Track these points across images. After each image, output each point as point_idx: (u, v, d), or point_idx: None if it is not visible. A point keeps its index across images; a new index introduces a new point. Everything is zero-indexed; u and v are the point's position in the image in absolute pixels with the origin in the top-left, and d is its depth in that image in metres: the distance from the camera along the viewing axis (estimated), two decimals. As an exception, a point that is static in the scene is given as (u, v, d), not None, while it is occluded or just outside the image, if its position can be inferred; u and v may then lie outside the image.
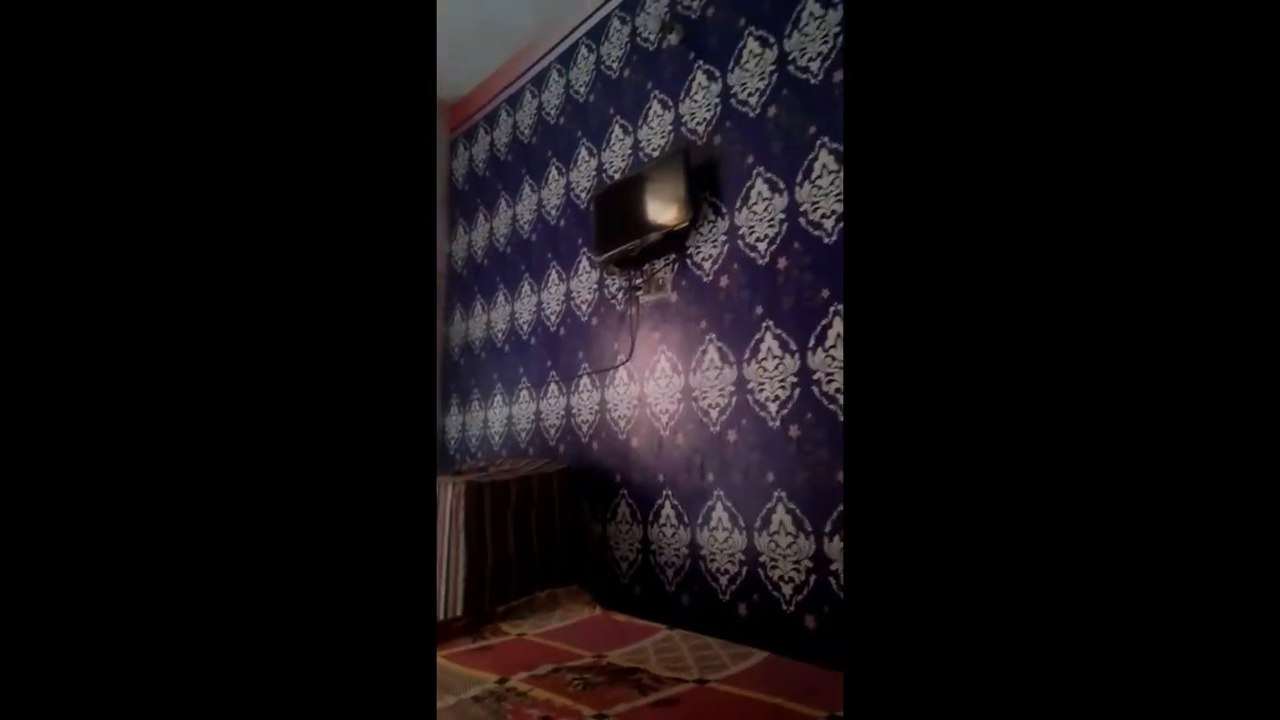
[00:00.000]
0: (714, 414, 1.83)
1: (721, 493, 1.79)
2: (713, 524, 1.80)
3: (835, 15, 1.63)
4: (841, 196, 1.58)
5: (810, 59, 1.68)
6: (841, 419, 1.52)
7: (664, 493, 1.97)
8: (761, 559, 1.66)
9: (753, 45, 1.84)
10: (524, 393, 2.62)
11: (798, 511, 1.59)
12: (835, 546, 1.50)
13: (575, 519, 2.22)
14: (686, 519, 1.89)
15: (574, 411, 2.37)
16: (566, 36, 2.61)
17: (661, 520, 1.97)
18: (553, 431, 2.46)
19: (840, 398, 1.53)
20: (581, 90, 2.51)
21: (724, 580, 1.75)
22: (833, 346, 1.56)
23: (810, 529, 1.56)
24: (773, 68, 1.78)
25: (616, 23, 2.37)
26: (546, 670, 1.34)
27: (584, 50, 2.52)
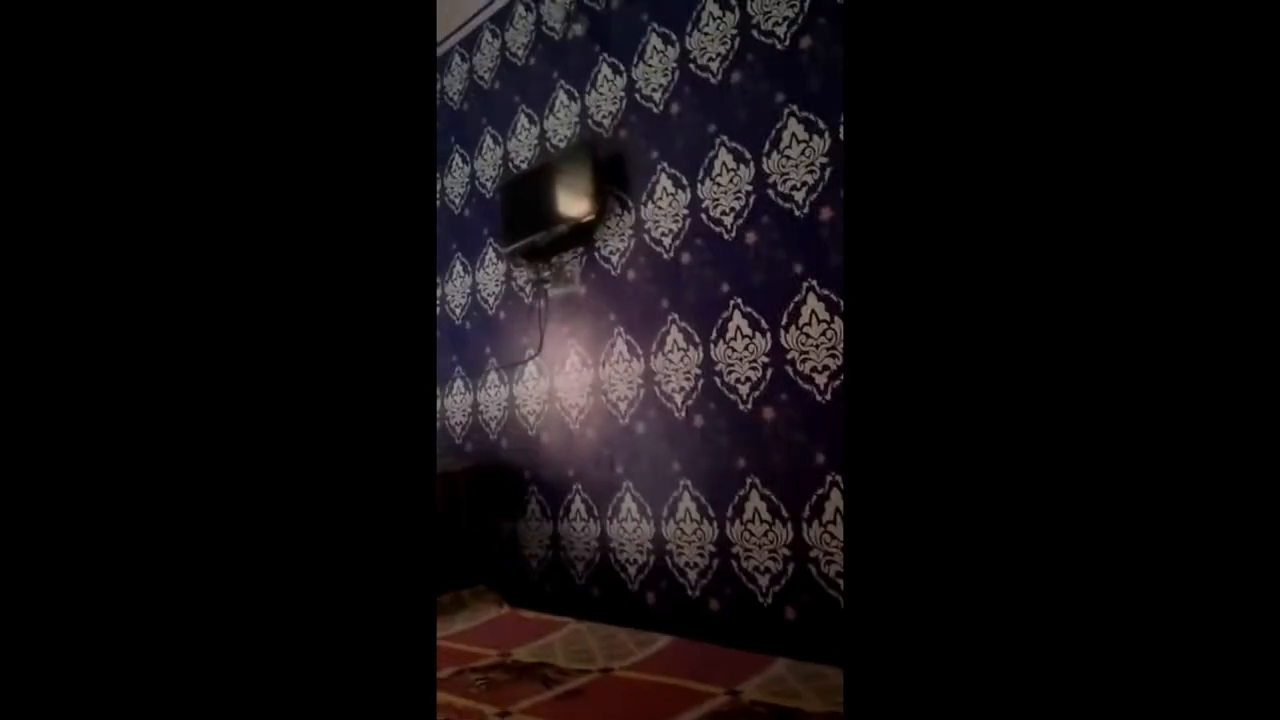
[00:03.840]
0: (623, 406, 1.85)
1: (630, 484, 1.81)
2: (622, 515, 1.82)
3: (733, 18, 1.68)
4: (739, 194, 1.63)
5: (710, 59, 1.73)
6: (740, 408, 1.58)
7: (574, 487, 1.97)
8: (668, 547, 1.70)
9: (656, 41, 1.86)
10: (429, 389, 2.51)
11: (702, 499, 1.64)
12: (737, 530, 1.56)
13: (483, 519, 2.16)
14: (596, 512, 1.89)
15: (481, 408, 2.31)
16: (471, 19, 2.52)
17: (572, 515, 1.96)
18: (459, 429, 2.38)
19: (740, 388, 1.59)
20: (486, 77, 2.44)
21: (633, 570, 1.78)
22: (732, 339, 1.61)
23: (714, 515, 1.61)
24: (675, 65, 1.81)
25: (521, 9, 2.32)
26: (449, 673, 1.30)
27: (488, 35, 2.44)
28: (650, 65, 1.87)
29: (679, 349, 1.73)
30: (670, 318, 1.75)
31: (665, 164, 1.80)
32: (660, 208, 1.81)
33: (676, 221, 1.77)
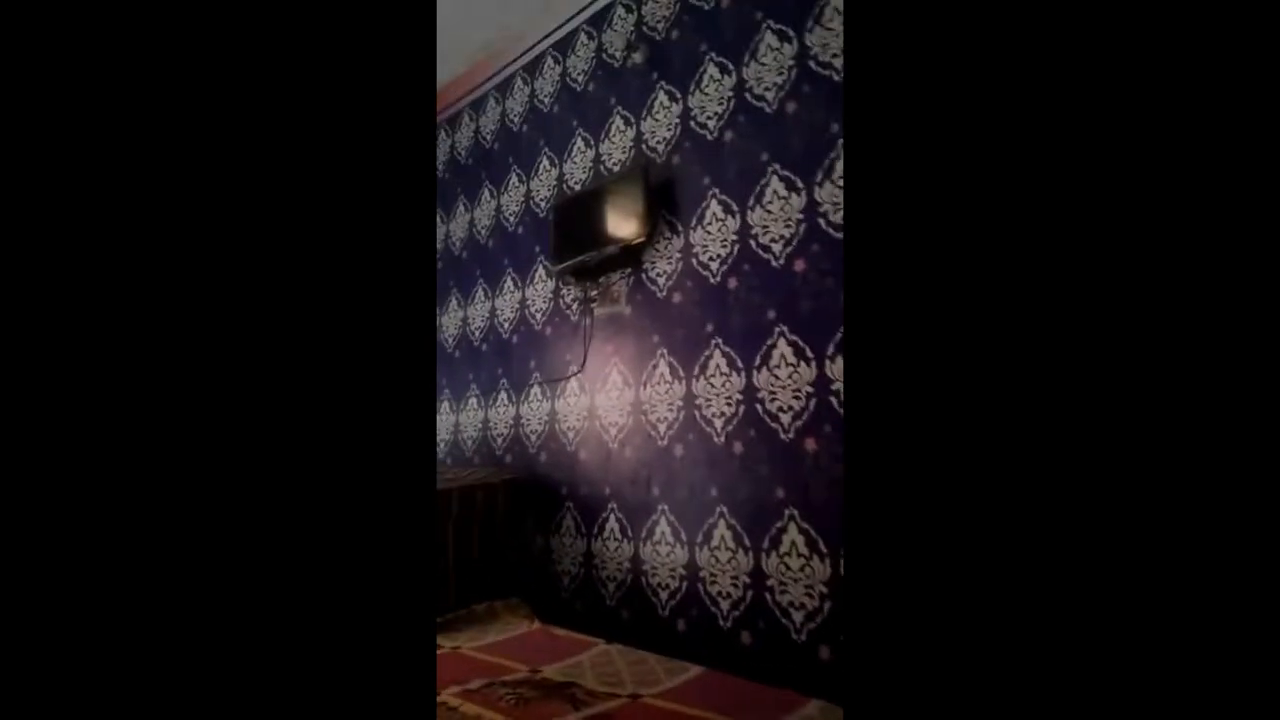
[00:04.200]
0: (662, 428, 1.85)
1: (666, 507, 1.80)
2: (656, 538, 1.81)
3: (791, 49, 1.70)
4: (789, 222, 1.63)
5: (766, 88, 1.74)
6: (782, 437, 1.56)
7: (609, 505, 1.97)
8: (701, 574, 1.68)
9: (713, 70, 1.89)
10: (473, 400, 2.58)
11: (738, 527, 1.62)
12: (772, 562, 1.53)
13: (518, 531, 2.19)
14: (630, 533, 1.89)
15: (523, 421, 2.35)
16: (534, 45, 2.61)
17: (606, 534, 1.96)
18: (500, 441, 2.42)
19: (782, 416, 1.57)
20: (546, 100, 2.52)
21: (664, 595, 1.76)
22: (776, 366, 1.60)
23: (749, 544, 1.59)
24: (731, 93, 1.83)
25: (584, 37, 2.39)
26: (479, 685, 1.31)
27: (550, 61, 2.53)
28: (706, 93, 1.90)
29: (721, 373, 1.72)
30: (714, 342, 1.75)
31: (716, 190, 1.82)
32: (709, 232, 1.82)
33: (725, 246, 1.77)
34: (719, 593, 1.63)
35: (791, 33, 1.70)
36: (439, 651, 1.55)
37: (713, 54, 1.90)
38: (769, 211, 1.68)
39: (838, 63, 1.59)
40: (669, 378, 1.86)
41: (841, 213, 1.53)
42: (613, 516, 1.95)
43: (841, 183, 1.54)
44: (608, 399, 2.04)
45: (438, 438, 2.72)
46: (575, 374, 2.16)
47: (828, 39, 1.62)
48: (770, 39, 1.75)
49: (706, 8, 1.94)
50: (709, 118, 1.88)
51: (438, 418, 2.74)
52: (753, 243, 1.71)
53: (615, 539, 1.93)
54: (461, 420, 2.61)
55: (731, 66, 1.84)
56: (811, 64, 1.64)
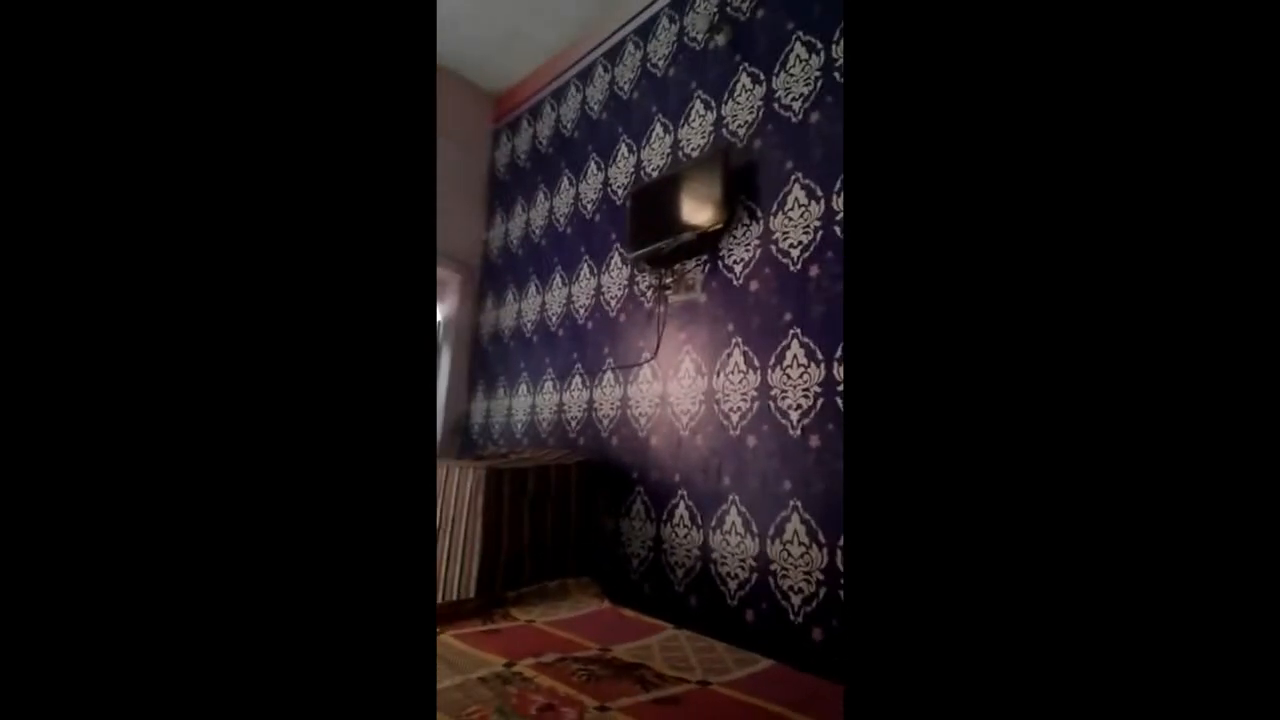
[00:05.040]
0: (734, 418, 1.83)
1: (737, 497, 1.79)
2: (726, 528, 1.80)
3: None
4: (879, 208, 1.56)
5: (857, 66, 1.66)
6: (864, 433, 1.50)
7: (679, 493, 1.98)
8: (772, 567, 1.65)
9: (800, 50, 1.82)
10: (548, 384, 2.65)
11: (812, 522, 1.58)
12: (845, 559, 1.49)
13: (590, 512, 2.24)
14: (700, 521, 1.89)
15: (596, 405, 2.39)
16: (615, 33, 2.62)
17: (675, 520, 1.97)
18: (574, 424, 2.48)
19: (864, 411, 1.51)
20: (625, 87, 2.52)
21: (733, 585, 1.75)
22: (860, 359, 1.54)
23: (824, 541, 1.55)
24: (818, 73, 1.76)
25: (665, 21, 2.37)
26: (553, 659, 1.36)
27: (631, 47, 2.53)
28: (792, 74, 1.83)
29: (799, 365, 1.68)
30: (792, 332, 1.71)
31: (800, 174, 1.76)
32: (791, 219, 1.77)
33: (807, 233, 1.72)
34: (790, 587, 1.60)
35: (886, 6, 1.61)
36: (514, 624, 1.61)
37: (800, 32, 1.83)
38: (856, 197, 1.61)
39: (937, 36, 1.49)
40: (743, 367, 1.83)
41: (936, 197, 1.44)
42: (682, 503, 1.96)
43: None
44: (680, 386, 2.04)
45: (518, 419, 2.82)
46: (648, 360, 2.17)
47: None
48: (863, 14, 1.66)
49: (794, -16, 1.87)
50: (794, 99, 1.82)
51: (517, 400, 2.83)
52: (838, 229, 1.64)
53: (685, 525, 1.94)
54: (538, 403, 2.69)
55: (820, 45, 1.77)
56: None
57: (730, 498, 1.81)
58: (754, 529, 1.72)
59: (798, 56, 1.83)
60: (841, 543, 1.51)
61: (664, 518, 2.02)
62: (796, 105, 1.81)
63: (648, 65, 2.42)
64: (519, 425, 2.77)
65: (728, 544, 1.79)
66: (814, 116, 1.75)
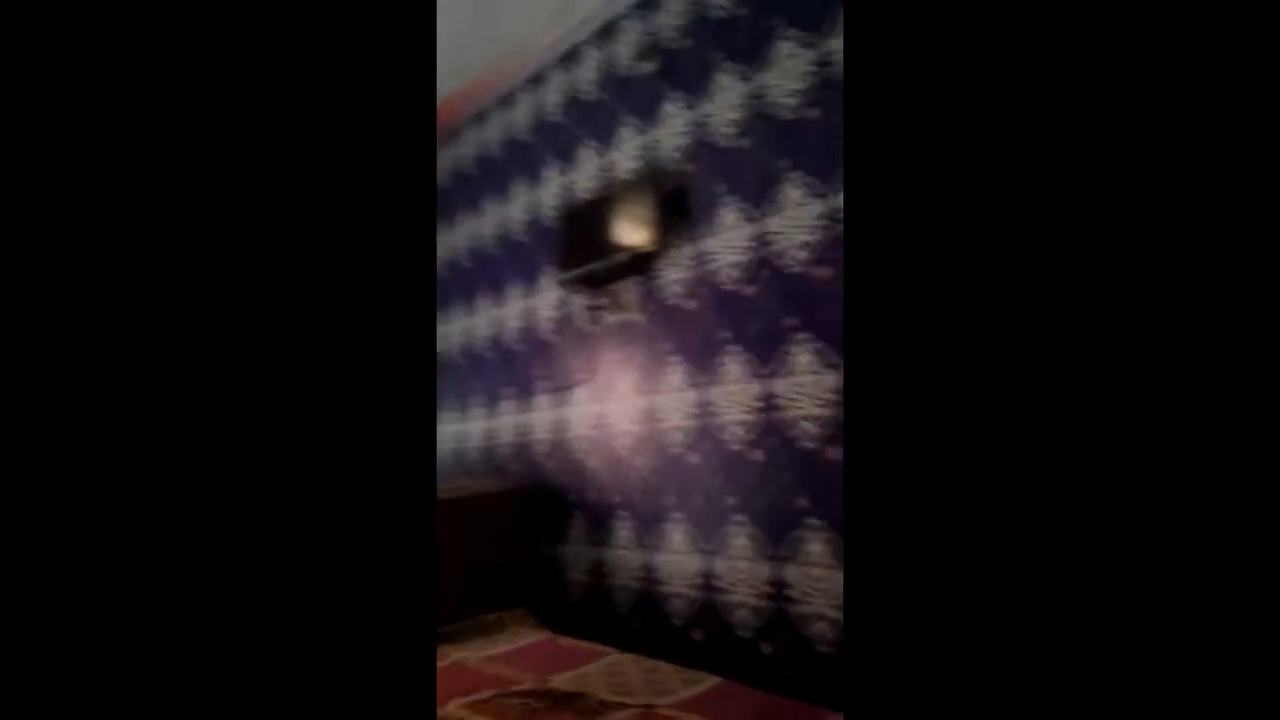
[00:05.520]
0: (676, 436, 1.83)
1: (680, 515, 1.78)
2: (669, 547, 1.78)
3: (810, 55, 1.71)
4: (809, 228, 1.63)
5: (784, 95, 1.75)
6: (803, 445, 1.54)
7: (620, 514, 1.94)
8: (718, 583, 1.65)
9: (725, 80, 1.90)
10: (479, 410, 2.55)
11: (758, 535, 1.59)
12: (793, 572, 1.50)
13: (527, 540, 2.15)
14: (643, 541, 1.86)
15: (531, 430, 2.32)
16: (542, 56, 2.62)
17: (617, 542, 1.93)
18: (508, 450, 2.39)
19: (803, 424, 1.55)
20: (553, 110, 2.53)
21: (678, 604, 1.73)
22: (797, 374, 1.59)
23: (770, 554, 1.56)
24: (746, 100, 1.84)
25: (591, 49, 2.40)
26: (488, 695, 1.28)
27: (558, 73, 2.54)
28: (720, 101, 1.90)
29: (738, 381, 1.70)
30: (729, 349, 1.74)
31: (731, 197, 1.82)
32: (724, 240, 1.81)
33: (740, 254, 1.77)
34: (737, 602, 1.60)
35: (809, 38, 1.71)
36: (445, 663, 1.51)
37: (729, 62, 1.91)
38: (787, 218, 1.68)
39: (856, 71, 1.59)
40: (682, 385, 1.84)
41: (860, 219, 1.53)
42: (624, 524, 1.92)
43: (860, 189, 1.54)
44: (619, 407, 2.02)
45: (447, 447, 2.68)
46: (584, 382, 2.14)
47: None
48: (788, 46, 1.76)
49: (720, 16, 1.95)
50: (723, 125, 1.88)
51: (446, 427, 2.70)
52: (770, 249, 1.70)
53: (627, 547, 1.90)
54: (469, 429, 2.58)
55: (749, 73, 1.85)
56: (831, 71, 1.65)
57: (673, 516, 1.79)
58: (698, 546, 1.72)
59: (724, 85, 1.90)
60: (786, 554, 1.52)
61: (605, 541, 1.97)
62: (726, 130, 1.87)
63: (576, 90, 2.44)
64: (449, 453, 2.64)
65: (671, 563, 1.77)
66: (744, 141, 1.82)
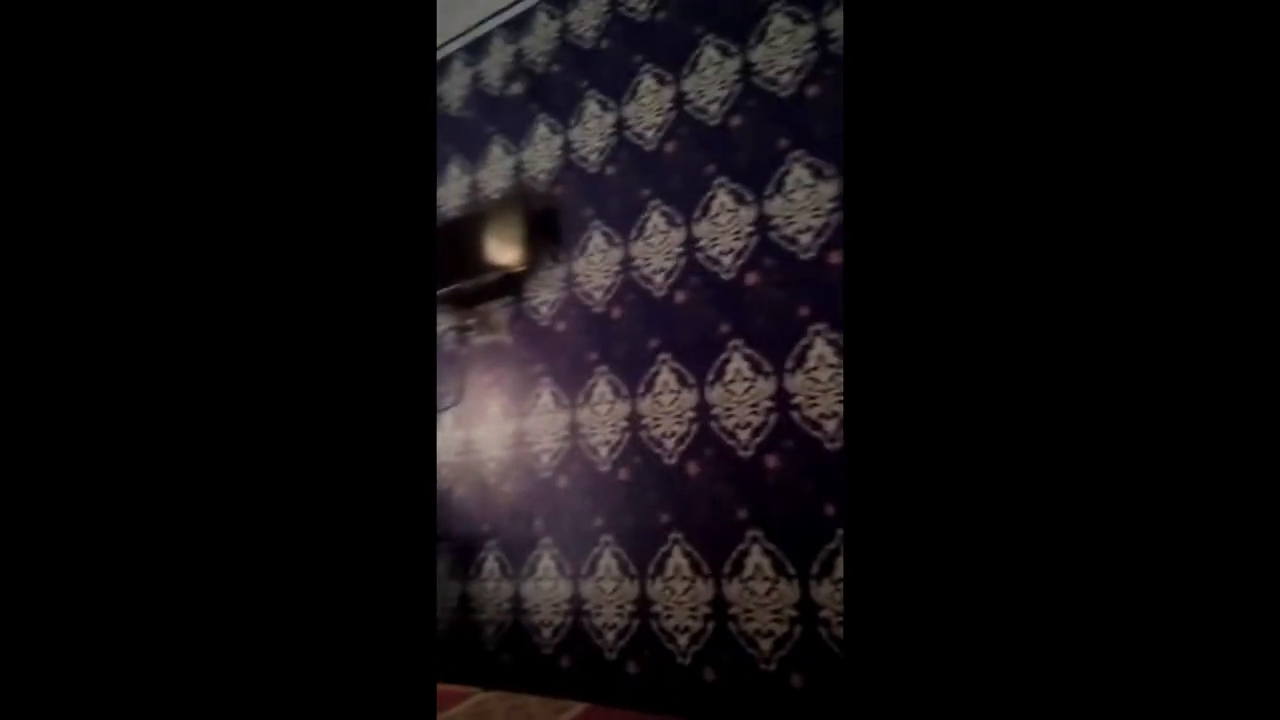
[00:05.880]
0: (545, 459, 1.80)
1: (549, 540, 1.74)
2: (538, 574, 1.74)
3: (669, 91, 1.80)
4: (669, 255, 1.70)
5: (646, 126, 1.83)
6: (666, 462, 1.59)
7: (487, 544, 1.86)
8: (586, 607, 1.63)
9: (594, 107, 1.95)
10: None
11: (624, 555, 1.60)
12: (658, 588, 1.53)
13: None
14: (511, 571, 1.80)
15: (391, 457, 2.17)
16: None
17: (483, 575, 1.85)
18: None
19: (665, 442, 1.60)
20: (421, 123, 2.43)
21: (547, 633, 1.69)
22: (660, 394, 1.64)
23: (634, 572, 1.58)
24: (611, 129, 1.90)
25: (459, 64, 2.36)
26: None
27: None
28: (588, 128, 1.95)
29: (606, 401, 1.72)
30: (598, 370, 1.76)
31: (599, 221, 1.86)
32: (592, 263, 1.84)
33: (608, 277, 1.80)
34: (604, 624, 1.59)
35: (669, 76, 1.81)
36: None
37: (594, 91, 1.96)
38: (650, 244, 1.74)
39: (712, 108, 1.71)
40: (553, 407, 1.83)
41: (718, 249, 1.63)
42: (491, 556, 1.85)
43: (720, 220, 1.64)
44: (487, 432, 1.95)
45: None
46: (450, 407, 2.05)
47: (702, 85, 1.74)
48: (649, 82, 1.85)
49: (585, 47, 2.01)
50: (591, 151, 1.93)
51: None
52: (635, 274, 1.75)
53: (495, 579, 1.83)
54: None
55: (612, 104, 1.91)
56: (688, 108, 1.76)
57: (542, 542, 1.75)
58: (567, 571, 1.69)
59: (591, 113, 1.95)
60: (652, 571, 1.55)
61: (471, 574, 1.88)
62: (593, 157, 1.92)
63: (441, 105, 2.37)
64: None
65: (540, 591, 1.72)
66: (610, 169, 1.87)
